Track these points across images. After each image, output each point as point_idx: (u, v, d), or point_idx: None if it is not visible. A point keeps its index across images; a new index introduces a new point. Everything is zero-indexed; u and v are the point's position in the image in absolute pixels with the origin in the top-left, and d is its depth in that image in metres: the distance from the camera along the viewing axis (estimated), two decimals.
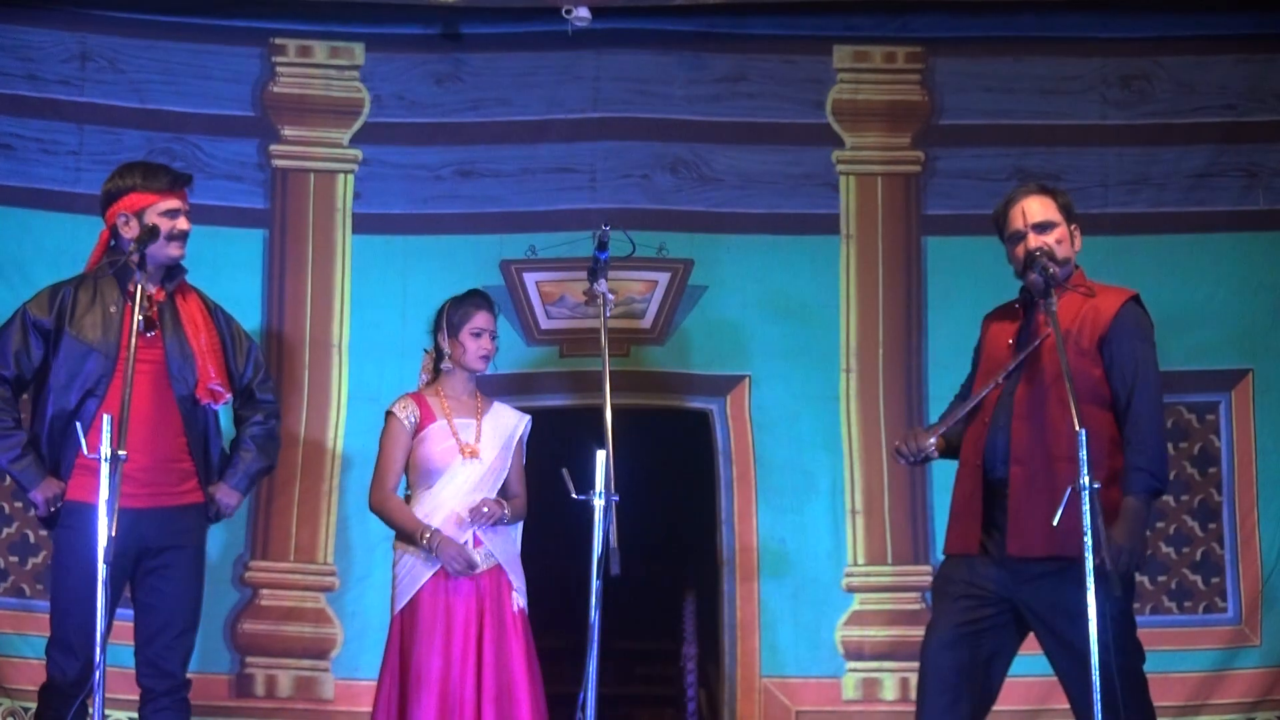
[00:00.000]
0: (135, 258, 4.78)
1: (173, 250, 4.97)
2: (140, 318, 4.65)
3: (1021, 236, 4.73)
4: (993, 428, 4.67)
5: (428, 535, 5.22)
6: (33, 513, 5.11)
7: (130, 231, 4.93)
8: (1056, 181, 6.11)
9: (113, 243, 5.01)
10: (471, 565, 5.22)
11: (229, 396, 5.07)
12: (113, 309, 4.94)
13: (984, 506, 4.66)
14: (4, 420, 4.93)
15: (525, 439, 5.46)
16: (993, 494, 4.67)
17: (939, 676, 4.66)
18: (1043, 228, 4.71)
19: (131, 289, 4.73)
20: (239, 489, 5.12)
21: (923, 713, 4.69)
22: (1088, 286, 4.75)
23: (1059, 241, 4.69)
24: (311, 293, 6.17)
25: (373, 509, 5.42)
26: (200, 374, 4.98)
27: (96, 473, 4.41)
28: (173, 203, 4.97)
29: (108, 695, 4.98)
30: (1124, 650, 4.52)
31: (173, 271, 5.05)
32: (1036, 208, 4.74)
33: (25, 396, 5.04)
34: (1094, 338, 4.64)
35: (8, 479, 5.99)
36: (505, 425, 5.41)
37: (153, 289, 4.97)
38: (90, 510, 4.47)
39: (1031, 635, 4.75)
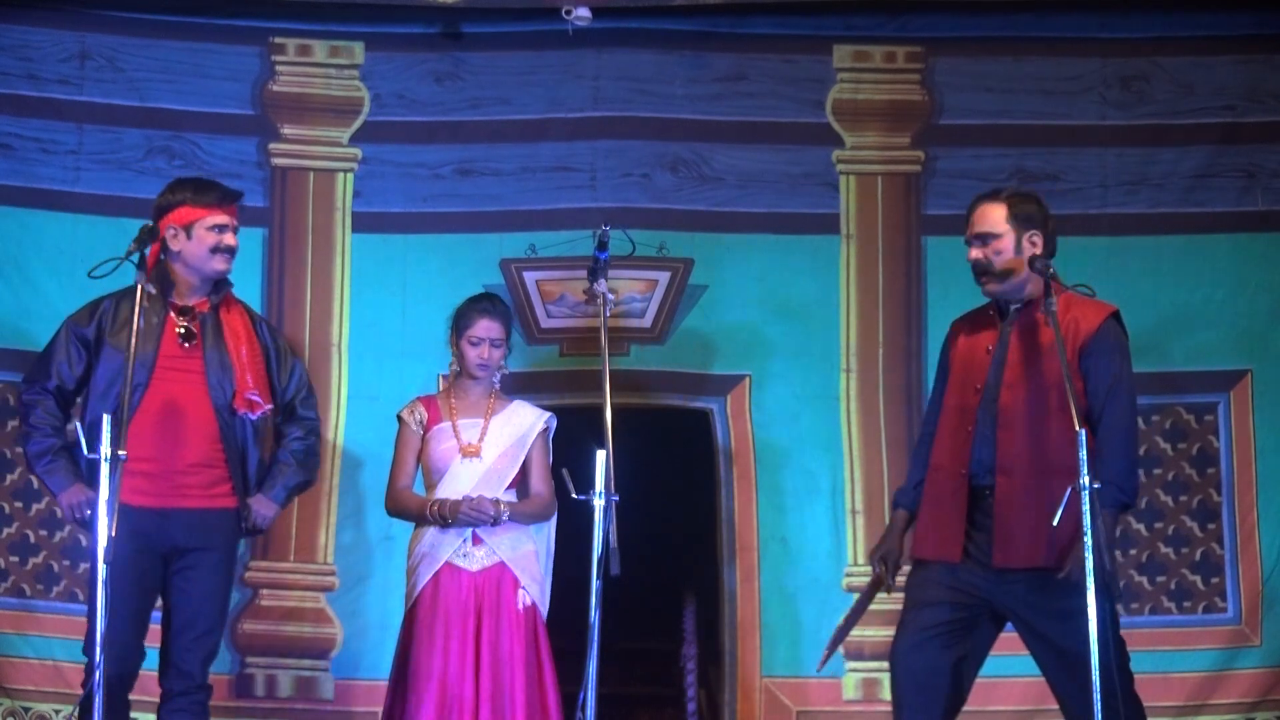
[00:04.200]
0: (135, 256, 4.80)
1: (218, 264, 5.04)
2: (181, 329, 4.87)
3: (968, 244, 4.78)
4: (977, 436, 4.69)
5: (434, 506, 5.24)
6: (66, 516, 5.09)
7: (178, 244, 5.00)
8: (1055, 182, 6.16)
9: (163, 256, 5.05)
10: (484, 510, 5.20)
11: (267, 408, 5.10)
12: (154, 320, 4.98)
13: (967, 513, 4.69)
14: (42, 428, 4.99)
15: (551, 435, 5.43)
16: (974, 501, 4.70)
17: (911, 678, 4.71)
18: (982, 239, 4.73)
19: (137, 290, 4.75)
20: (276, 500, 5.15)
21: (900, 716, 4.72)
22: (1070, 292, 4.76)
23: (997, 253, 4.69)
24: (311, 292, 6.17)
25: (389, 512, 5.45)
26: (238, 384, 5.02)
27: (132, 474, 4.56)
28: (221, 218, 5.04)
29: (140, 698, 5.12)
30: (1115, 650, 4.54)
31: (219, 284, 5.11)
32: (981, 217, 4.75)
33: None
34: (1075, 351, 4.65)
35: (7, 479, 6.00)
36: (518, 424, 5.39)
37: (195, 300, 5.05)
38: (125, 512, 4.50)
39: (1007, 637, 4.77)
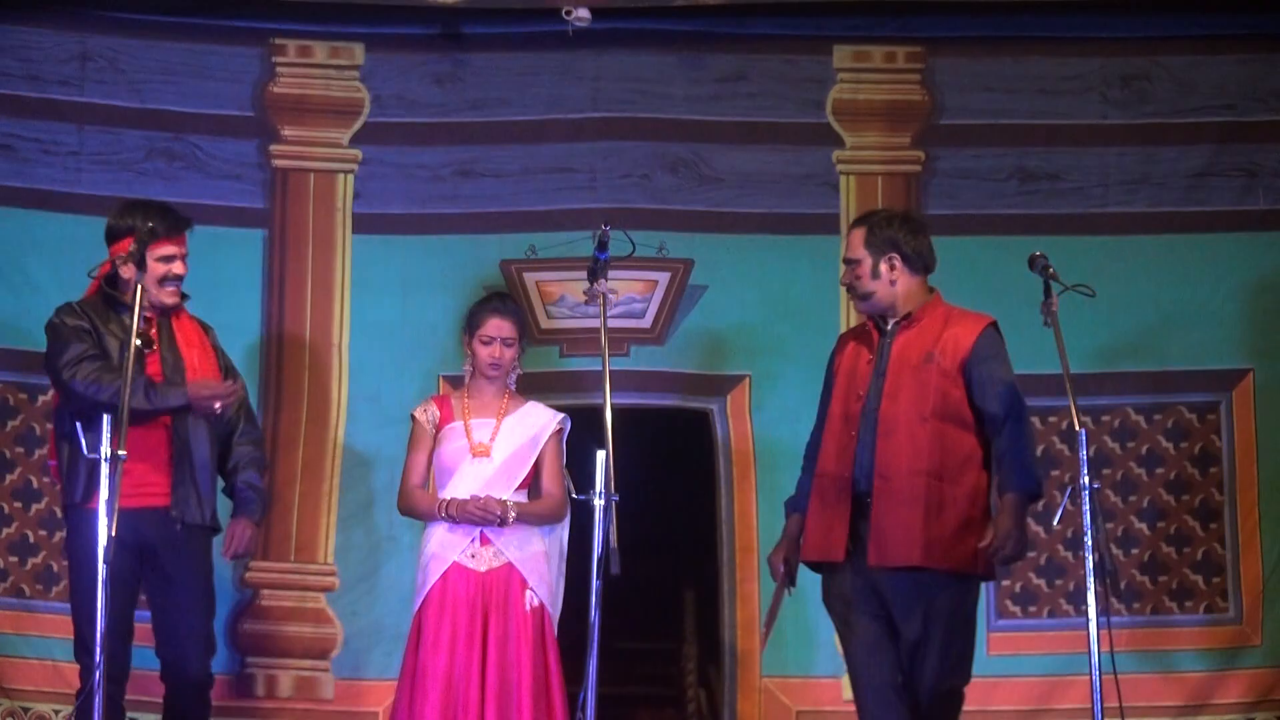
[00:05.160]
0: (135, 257, 4.83)
1: (165, 296, 5.05)
2: (139, 337, 4.78)
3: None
4: (859, 443, 4.87)
5: (443, 505, 5.27)
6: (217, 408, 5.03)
7: (129, 273, 5.00)
8: (1056, 181, 6.16)
9: (109, 275, 5.08)
10: (490, 510, 5.22)
11: (219, 408, 5.10)
12: (115, 329, 5.01)
13: (851, 516, 4.87)
14: (105, 378, 4.89)
15: (565, 436, 5.45)
16: (859, 507, 4.86)
17: (874, 675, 4.81)
18: (847, 263, 4.99)
19: (131, 293, 4.77)
20: (255, 520, 5.24)
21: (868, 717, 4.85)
22: (944, 311, 4.94)
23: (858, 277, 4.94)
24: (311, 293, 6.17)
25: (401, 511, 5.47)
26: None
27: (127, 480, 4.64)
28: (169, 249, 5.05)
29: (136, 698, 5.22)
30: (967, 640, 4.83)
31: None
32: (847, 242, 5.03)
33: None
34: (956, 361, 4.83)
35: (7, 479, 6.01)
36: (530, 424, 5.40)
37: (149, 314, 5.04)
38: (97, 515, 4.53)
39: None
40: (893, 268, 4.91)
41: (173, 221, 5.08)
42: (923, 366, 4.83)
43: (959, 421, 4.82)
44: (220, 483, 5.24)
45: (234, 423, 5.24)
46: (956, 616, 4.82)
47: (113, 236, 5.08)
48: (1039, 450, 6.08)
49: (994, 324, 4.93)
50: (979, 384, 4.82)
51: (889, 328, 4.95)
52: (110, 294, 5.05)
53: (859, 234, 4.96)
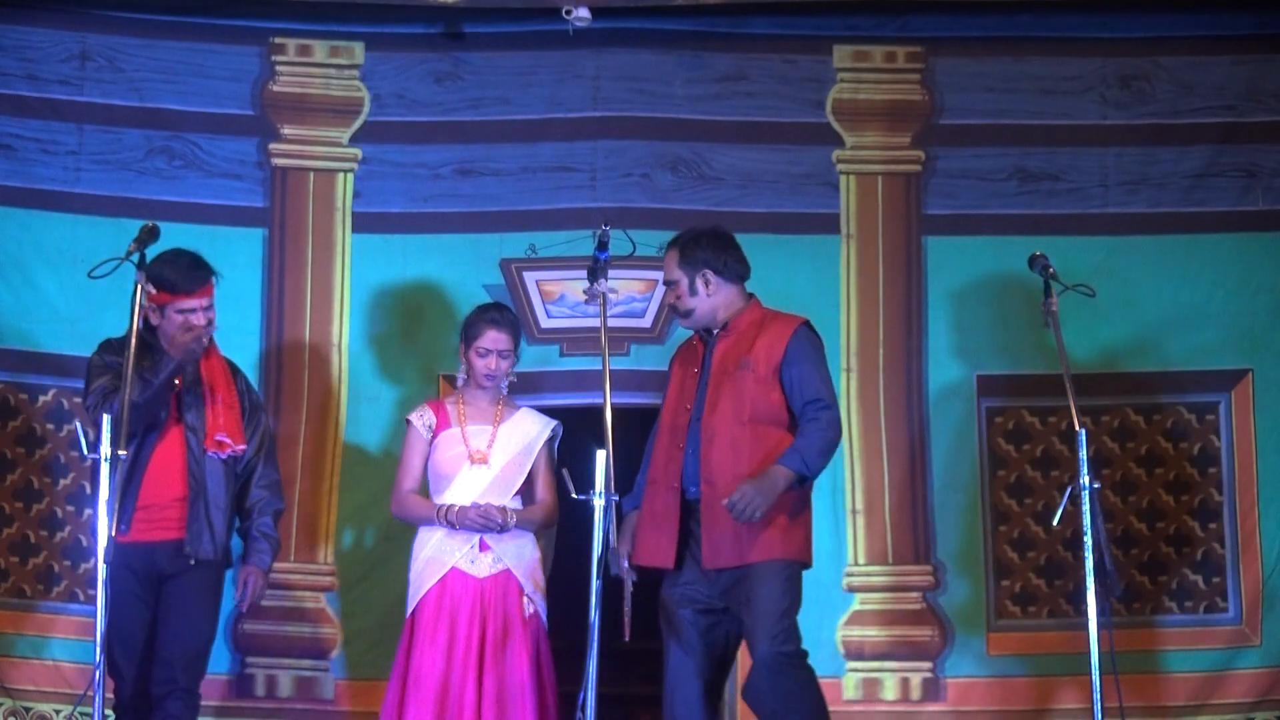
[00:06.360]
0: (135, 256, 4.87)
1: (188, 341, 5.14)
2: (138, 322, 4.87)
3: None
4: (686, 452, 5.04)
5: (443, 511, 5.30)
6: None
7: (156, 319, 5.17)
8: (1056, 181, 6.16)
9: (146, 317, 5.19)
10: (490, 517, 5.26)
11: (238, 448, 5.23)
12: (145, 365, 5.09)
13: (680, 523, 5.05)
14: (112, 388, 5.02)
15: (556, 443, 5.49)
16: (688, 511, 5.03)
17: (688, 687, 5.03)
18: (666, 284, 5.23)
19: (136, 289, 4.83)
20: (264, 568, 5.34)
21: None
22: (759, 315, 5.15)
23: (678, 296, 5.18)
24: (311, 292, 6.16)
25: (395, 515, 5.51)
26: (209, 426, 5.19)
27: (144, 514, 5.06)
28: (188, 303, 5.17)
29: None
30: (785, 638, 4.95)
31: None
32: (665, 264, 5.22)
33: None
34: (771, 365, 5.05)
35: (7, 479, 6.00)
36: (525, 432, 5.43)
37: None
38: (126, 548, 4.82)
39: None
40: (708, 282, 5.13)
41: (192, 278, 5.19)
42: (738, 373, 5.02)
43: (777, 423, 5.01)
44: (237, 522, 5.35)
45: (253, 464, 5.34)
46: (785, 596, 4.94)
47: (149, 284, 5.09)
48: (1038, 450, 6.09)
49: (806, 324, 5.13)
50: (790, 385, 5.01)
51: (711, 338, 5.14)
52: (143, 336, 5.11)
53: (672, 256, 5.18)
